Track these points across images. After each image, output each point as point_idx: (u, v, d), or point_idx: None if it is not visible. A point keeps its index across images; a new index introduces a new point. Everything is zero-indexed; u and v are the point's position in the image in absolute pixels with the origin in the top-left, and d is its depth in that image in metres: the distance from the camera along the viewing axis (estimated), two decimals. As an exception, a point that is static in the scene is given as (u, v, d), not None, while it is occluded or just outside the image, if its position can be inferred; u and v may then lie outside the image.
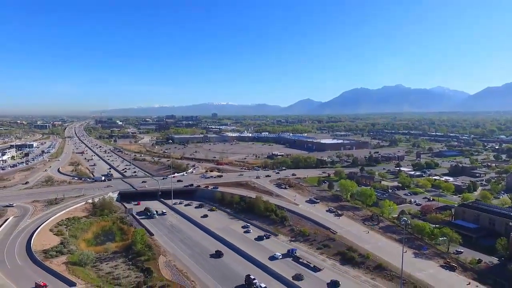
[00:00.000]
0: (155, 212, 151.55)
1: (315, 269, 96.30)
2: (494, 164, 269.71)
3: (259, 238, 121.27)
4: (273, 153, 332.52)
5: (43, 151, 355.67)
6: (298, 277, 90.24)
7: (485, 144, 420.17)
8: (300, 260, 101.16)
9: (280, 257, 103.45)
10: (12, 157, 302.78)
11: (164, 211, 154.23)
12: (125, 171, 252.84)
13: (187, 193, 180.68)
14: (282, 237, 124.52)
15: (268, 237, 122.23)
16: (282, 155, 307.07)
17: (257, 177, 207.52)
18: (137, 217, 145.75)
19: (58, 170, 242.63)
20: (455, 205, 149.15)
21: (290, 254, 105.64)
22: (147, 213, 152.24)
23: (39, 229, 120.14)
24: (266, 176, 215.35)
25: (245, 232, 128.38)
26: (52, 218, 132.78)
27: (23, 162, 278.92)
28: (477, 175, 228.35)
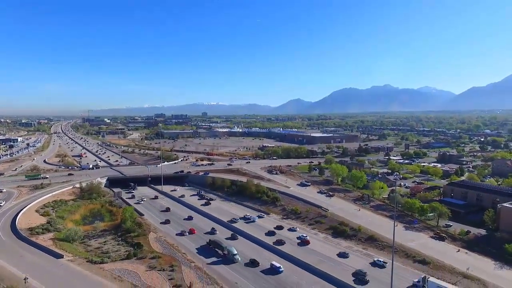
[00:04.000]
0: (236, 252, 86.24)
1: (209, 199, 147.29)
2: (480, 153, 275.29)
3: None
4: (264, 145, 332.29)
5: (28, 145, 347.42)
6: (182, 195, 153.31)
7: (471, 137, 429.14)
8: (203, 196, 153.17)
9: (177, 190, 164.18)
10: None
11: (278, 264, 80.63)
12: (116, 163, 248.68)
13: (178, 179, 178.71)
14: (274, 216, 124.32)
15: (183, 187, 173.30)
16: (273, 147, 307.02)
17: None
18: (204, 259, 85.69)
19: (44, 161, 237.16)
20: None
21: (198, 194, 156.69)
22: (216, 251, 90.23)
23: (24, 209, 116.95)
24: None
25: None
26: (38, 200, 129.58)
27: (7, 155, 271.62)
28: (464, 162, 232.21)
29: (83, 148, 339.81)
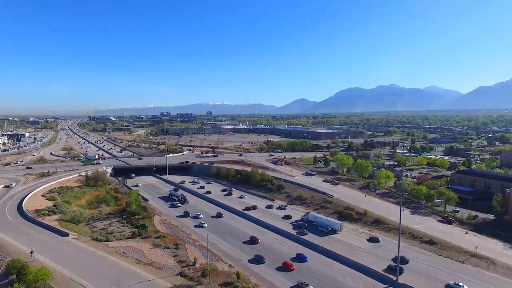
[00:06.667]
0: None
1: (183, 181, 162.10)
2: (487, 148, 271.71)
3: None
4: (269, 140, 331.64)
5: (35, 139, 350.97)
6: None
7: (479, 134, 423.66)
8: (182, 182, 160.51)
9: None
10: (4, 143, 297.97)
11: None
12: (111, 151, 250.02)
13: (183, 169, 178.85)
14: (278, 202, 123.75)
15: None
16: (278, 141, 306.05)
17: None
18: None
19: (51, 153, 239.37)
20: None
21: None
22: None
23: (30, 194, 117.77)
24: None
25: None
26: (45, 186, 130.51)
27: (14, 148, 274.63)
28: (472, 156, 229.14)
29: (100, 149, 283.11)
